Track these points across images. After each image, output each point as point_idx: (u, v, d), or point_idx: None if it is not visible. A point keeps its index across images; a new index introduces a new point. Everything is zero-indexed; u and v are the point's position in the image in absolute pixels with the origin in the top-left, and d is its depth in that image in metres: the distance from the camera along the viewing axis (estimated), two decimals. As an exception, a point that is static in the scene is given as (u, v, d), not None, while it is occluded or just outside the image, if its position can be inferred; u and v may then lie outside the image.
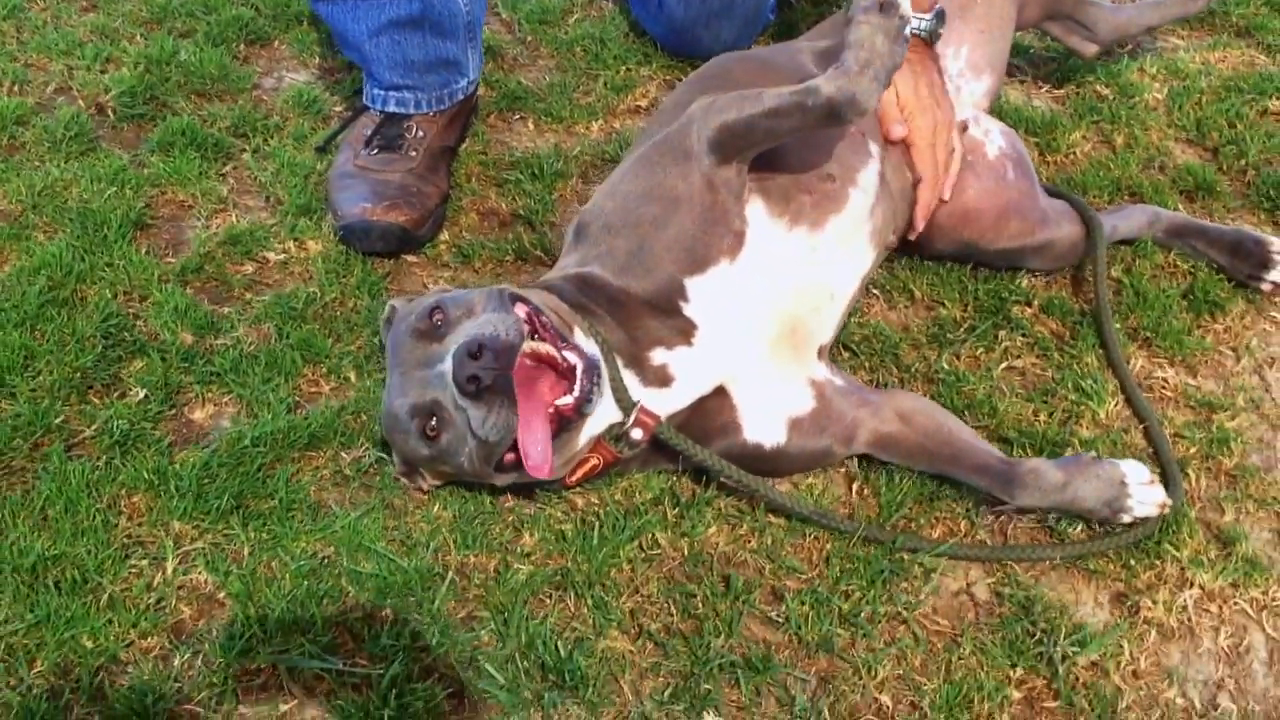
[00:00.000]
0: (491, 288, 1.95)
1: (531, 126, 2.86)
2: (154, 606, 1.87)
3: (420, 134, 2.56)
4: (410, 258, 2.50)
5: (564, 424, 1.86)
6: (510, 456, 1.86)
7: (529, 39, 3.10)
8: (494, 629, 1.88)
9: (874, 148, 2.24)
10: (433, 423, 1.86)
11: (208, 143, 2.71)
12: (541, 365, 1.86)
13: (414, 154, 2.54)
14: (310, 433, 2.12)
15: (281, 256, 2.48)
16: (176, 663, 1.81)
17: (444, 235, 2.56)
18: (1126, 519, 2.02)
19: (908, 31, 1.99)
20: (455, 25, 2.54)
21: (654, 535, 2.02)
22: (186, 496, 2.01)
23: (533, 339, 1.84)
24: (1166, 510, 2.03)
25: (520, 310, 1.87)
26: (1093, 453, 2.08)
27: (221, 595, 1.90)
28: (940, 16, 2.34)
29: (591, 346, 1.92)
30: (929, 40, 2.33)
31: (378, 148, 2.55)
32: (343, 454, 2.12)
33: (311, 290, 2.38)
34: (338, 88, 2.89)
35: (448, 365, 1.81)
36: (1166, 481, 2.10)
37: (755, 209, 2.07)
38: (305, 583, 1.91)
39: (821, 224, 2.13)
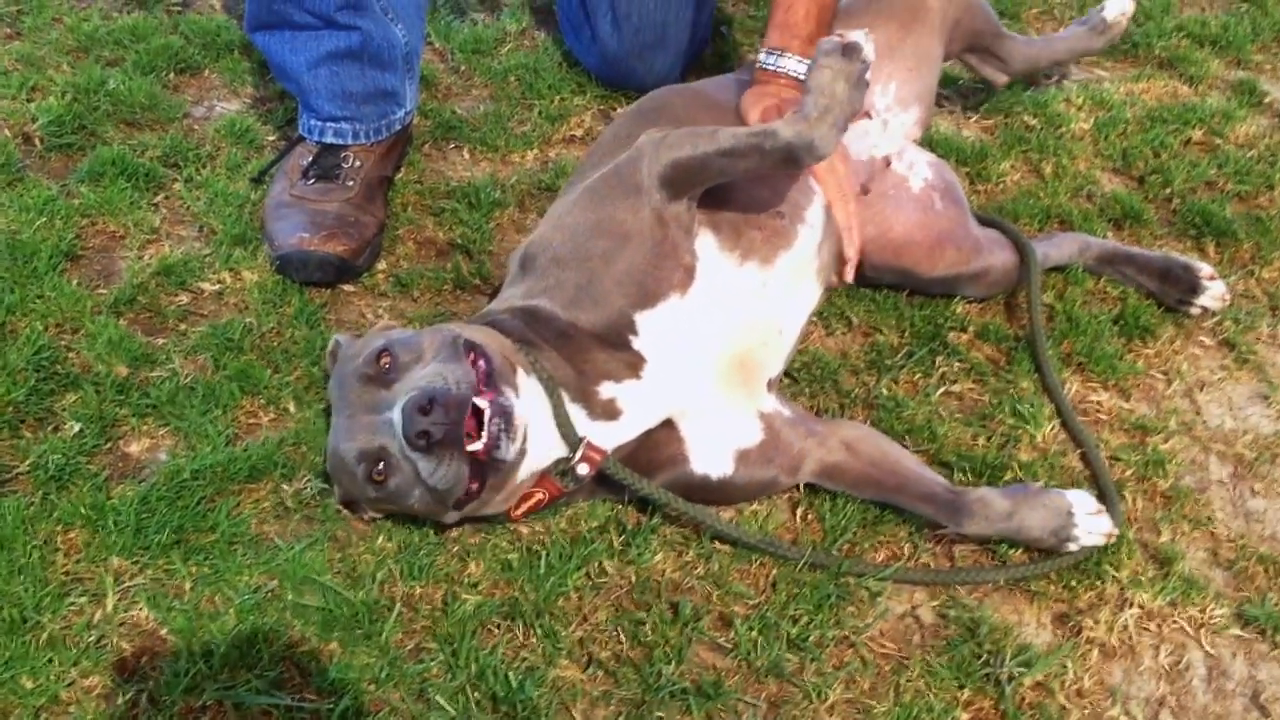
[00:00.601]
0: (441, 330, 1.93)
1: (467, 156, 2.85)
2: (95, 644, 1.84)
3: (357, 164, 2.55)
4: (348, 287, 2.49)
5: (488, 471, 1.86)
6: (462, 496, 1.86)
7: (463, 69, 3.09)
8: (443, 660, 1.86)
9: (817, 185, 2.26)
10: (380, 468, 1.85)
11: (139, 172, 2.68)
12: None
13: (351, 184, 2.53)
14: (250, 465, 2.10)
15: (216, 287, 2.45)
16: (120, 701, 1.77)
17: (381, 265, 2.54)
18: (1073, 548, 2.05)
19: (868, 76, 2.01)
20: (394, 56, 2.54)
21: (601, 563, 2.01)
22: (125, 531, 1.97)
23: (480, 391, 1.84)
24: (1112, 539, 2.06)
25: (469, 358, 1.86)
26: (1039, 482, 2.10)
27: (164, 632, 1.87)
28: None
29: (518, 392, 1.90)
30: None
31: (314, 178, 2.53)
32: (284, 486, 2.09)
33: (248, 321, 2.36)
34: (270, 117, 2.87)
35: (396, 416, 1.80)
36: (1107, 504, 2.13)
37: (706, 243, 2.08)
38: (250, 617, 1.88)
39: (772, 260, 2.14)
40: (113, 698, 1.78)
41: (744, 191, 2.13)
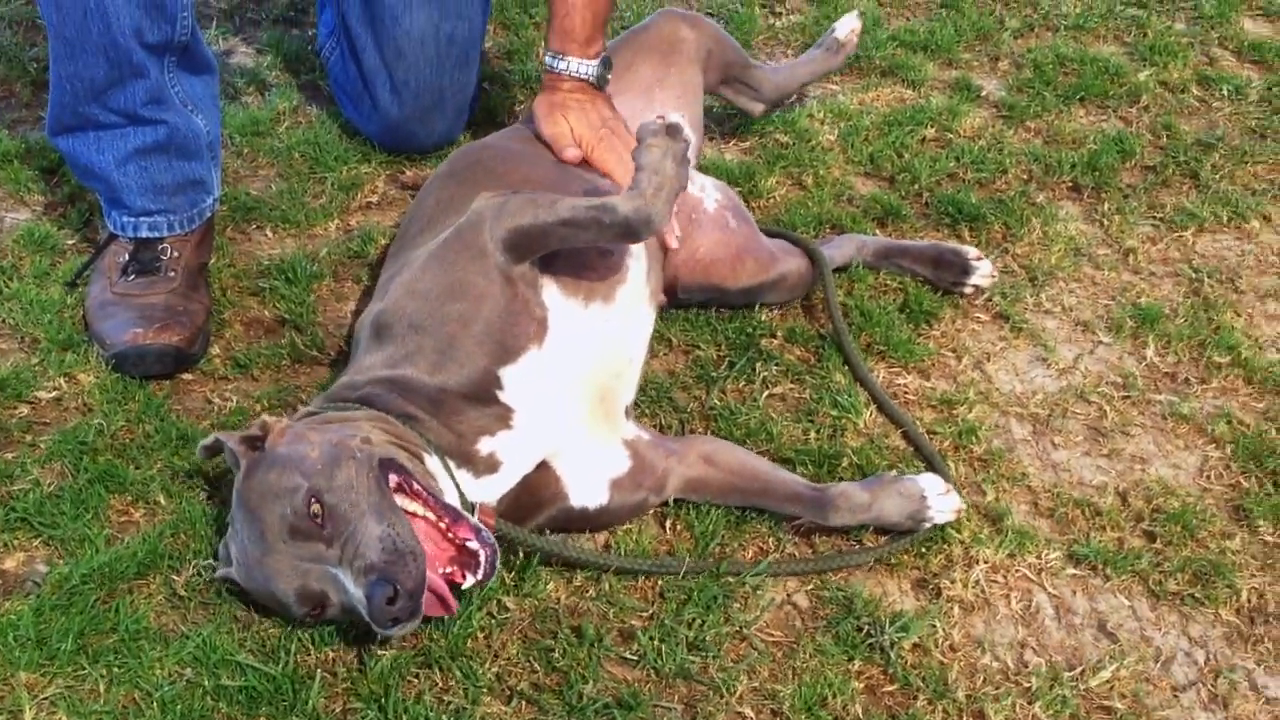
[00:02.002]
0: (349, 449, 1.95)
1: (270, 234, 2.90)
2: (28, 760, 1.84)
3: (175, 254, 2.57)
4: (186, 375, 2.51)
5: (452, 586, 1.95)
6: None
7: (245, 151, 3.13)
8: (373, 717, 1.92)
9: None
10: (318, 610, 1.93)
11: (-56, 297, 2.64)
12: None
13: (173, 274, 2.55)
14: (137, 561, 2.11)
15: (54, 394, 2.44)
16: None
17: (214, 349, 2.58)
18: (928, 526, 2.25)
19: (689, 155, 2.20)
20: (199, 146, 2.58)
21: (500, 600, 2.11)
22: (27, 646, 1.97)
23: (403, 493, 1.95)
24: (961, 514, 2.27)
25: (393, 480, 1.94)
26: (893, 471, 2.31)
27: (93, 735, 1.88)
28: (606, 63, 2.62)
29: (445, 494, 2.01)
30: (597, 85, 2.59)
31: (135, 273, 2.54)
32: (174, 576, 2.12)
33: (96, 422, 2.36)
34: (65, 221, 2.85)
35: (356, 595, 1.85)
36: (939, 474, 2.34)
37: (551, 295, 2.20)
38: (176, 707, 1.91)
39: (612, 296, 2.29)
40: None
41: (590, 245, 2.25)
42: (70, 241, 2.81)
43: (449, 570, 1.96)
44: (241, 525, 1.98)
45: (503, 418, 2.11)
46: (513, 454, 2.12)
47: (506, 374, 2.12)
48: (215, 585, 2.09)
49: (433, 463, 2.04)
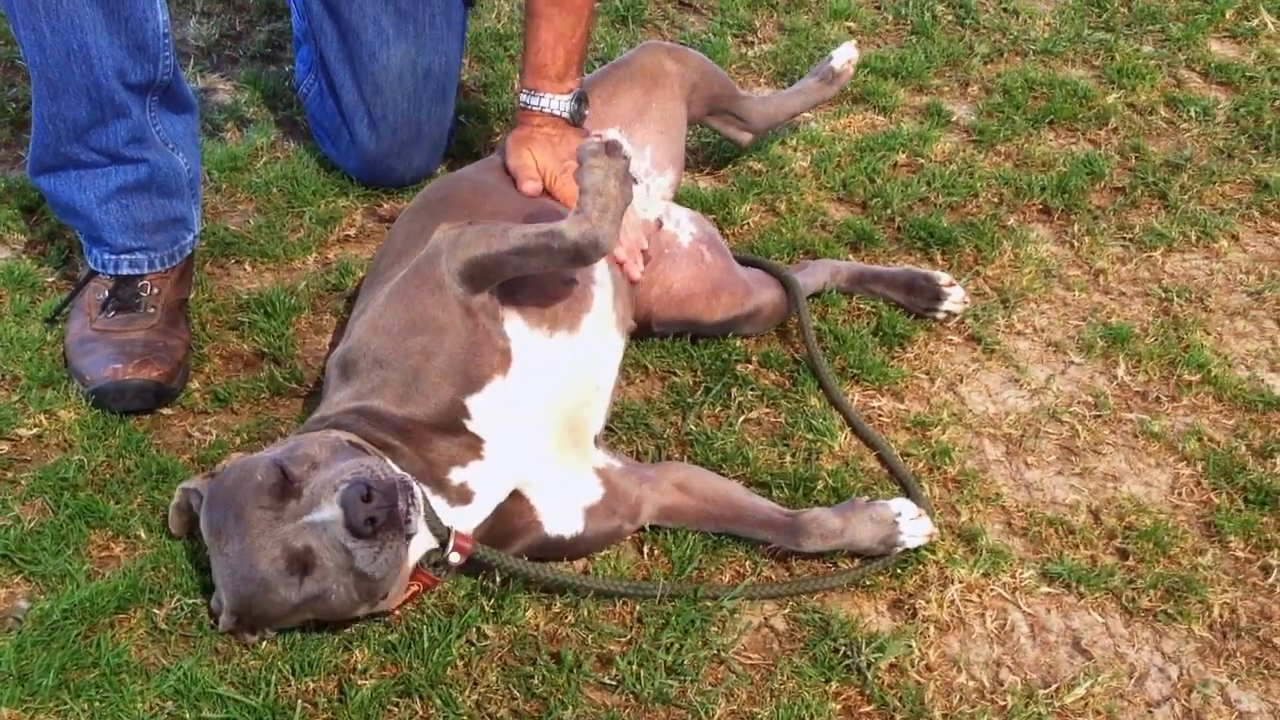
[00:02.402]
0: (315, 437, 2.02)
1: (249, 269, 2.92)
2: (12, 794, 1.86)
3: (155, 291, 2.60)
4: (166, 411, 2.53)
5: None
6: None
7: (224, 187, 3.16)
8: (355, 745, 1.95)
9: None
10: (303, 572, 1.93)
11: (-77, 337, 2.66)
12: None
13: (153, 310, 2.57)
14: (117, 596, 2.13)
15: (35, 431, 2.46)
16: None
17: (194, 384, 2.60)
18: (899, 550, 2.28)
19: (634, 169, 2.21)
20: (179, 184, 2.61)
21: (479, 628, 2.13)
22: (9, 682, 1.99)
23: None
24: (934, 539, 2.30)
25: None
26: (865, 496, 2.34)
27: (78, 769, 1.90)
28: (580, 99, 2.64)
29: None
30: (571, 120, 2.61)
31: (115, 310, 2.57)
32: (155, 610, 2.14)
33: (77, 458, 2.38)
34: (45, 259, 2.87)
35: (330, 513, 1.88)
36: (909, 494, 2.38)
37: (514, 325, 2.23)
38: (158, 740, 1.93)
39: (577, 325, 2.31)
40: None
41: (544, 272, 2.27)
42: (50, 279, 2.83)
43: None
44: (217, 532, 2.00)
45: (473, 447, 2.14)
46: (484, 483, 2.14)
47: (473, 403, 2.15)
48: (197, 618, 2.11)
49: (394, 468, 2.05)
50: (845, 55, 3.34)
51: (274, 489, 1.94)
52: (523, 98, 2.63)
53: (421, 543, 2.06)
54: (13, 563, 2.21)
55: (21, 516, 2.28)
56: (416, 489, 1.99)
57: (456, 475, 2.13)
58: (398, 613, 2.13)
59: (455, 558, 2.08)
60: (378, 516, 1.87)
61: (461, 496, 2.13)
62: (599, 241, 2.13)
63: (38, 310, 2.72)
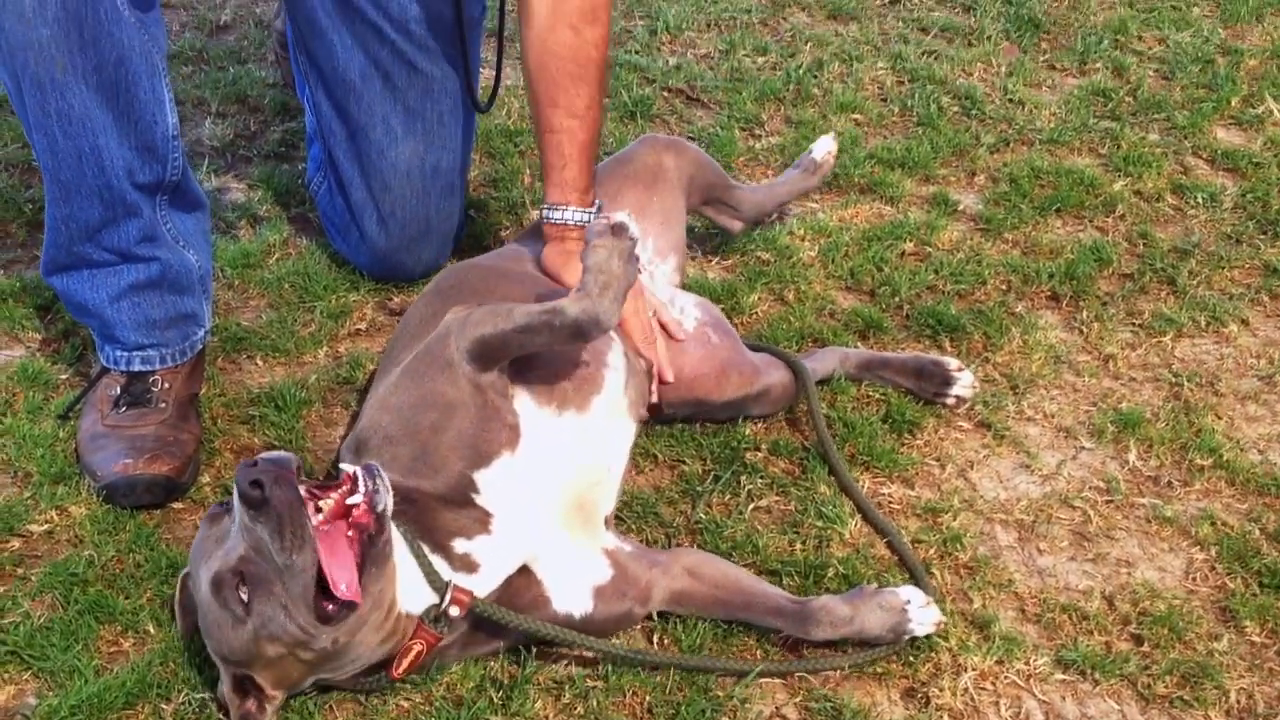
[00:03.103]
0: None
1: (260, 363, 2.94)
2: None
3: (167, 386, 2.62)
4: (177, 505, 2.54)
5: (369, 547, 1.97)
6: (333, 605, 1.95)
7: (236, 283, 3.19)
8: (362, 842, 1.93)
9: (614, 333, 2.47)
10: (241, 584, 1.93)
11: (-61, 435, 2.68)
12: (335, 521, 1.98)
13: (164, 405, 2.59)
14: (125, 692, 2.13)
15: (46, 527, 2.46)
16: None
17: (205, 478, 2.60)
18: (907, 638, 2.27)
19: (639, 251, 2.24)
20: (190, 281, 2.64)
21: (487, 720, 2.13)
22: (16, 780, 1.99)
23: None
24: (942, 627, 2.29)
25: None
26: (874, 582, 2.33)
27: None
28: (599, 208, 2.69)
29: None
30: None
31: (126, 405, 2.58)
32: (163, 705, 2.13)
33: (87, 554, 2.38)
34: (59, 357, 2.90)
35: (235, 500, 1.91)
36: (916, 581, 2.37)
37: (523, 403, 2.25)
38: (164, 836, 1.92)
39: (586, 406, 2.33)
40: None
41: (547, 349, 2.30)
42: (64, 376, 2.85)
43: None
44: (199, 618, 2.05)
45: (481, 521, 2.15)
46: (491, 557, 2.15)
47: (481, 478, 2.16)
48: (205, 713, 2.11)
49: (392, 529, 2.05)
50: (825, 147, 3.43)
51: (217, 515, 2.03)
52: (551, 214, 2.65)
53: (420, 595, 2.08)
54: (21, 659, 2.21)
55: (31, 612, 2.28)
56: (383, 476, 2.00)
57: (460, 545, 2.14)
58: (401, 677, 2.10)
59: (454, 610, 2.08)
60: (263, 479, 1.87)
61: (465, 565, 2.13)
62: (599, 318, 2.16)
63: (51, 407, 2.74)
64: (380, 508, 1.97)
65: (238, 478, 1.88)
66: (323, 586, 1.93)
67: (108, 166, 2.42)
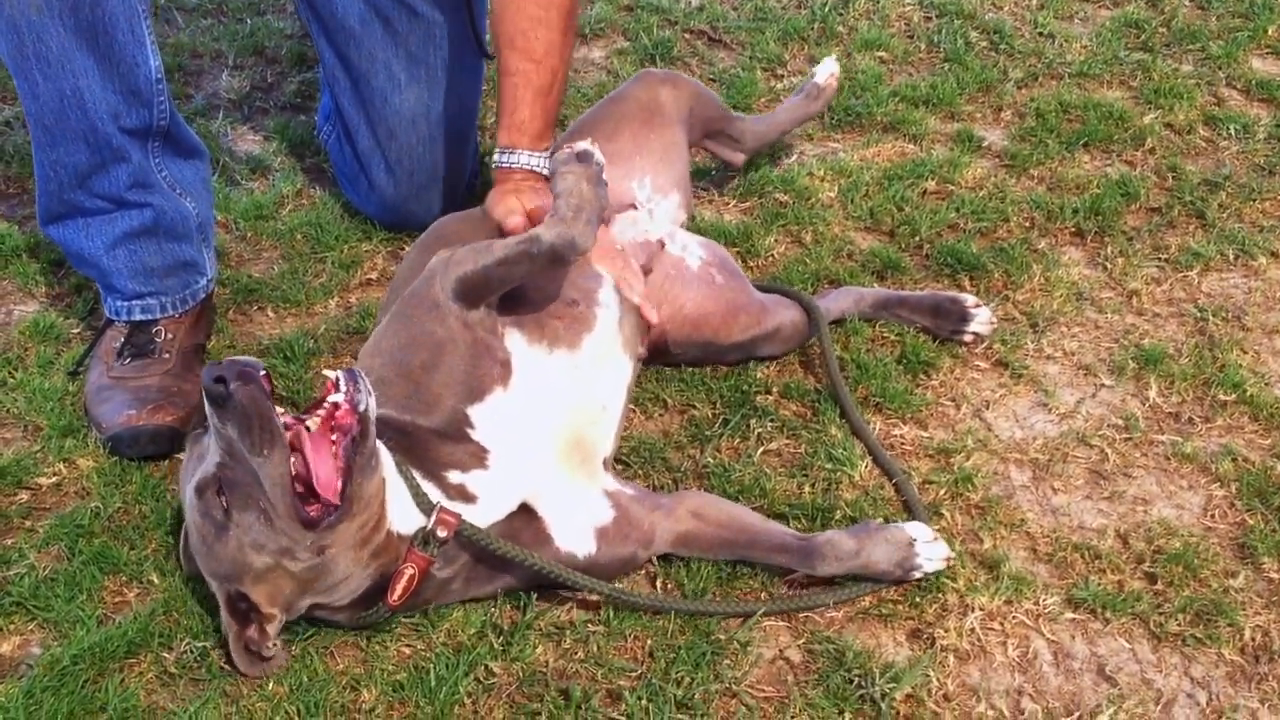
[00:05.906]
0: None
1: (271, 314, 2.94)
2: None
3: (170, 336, 2.62)
4: (182, 456, 2.53)
5: (353, 451, 1.97)
6: (315, 508, 1.96)
7: (249, 235, 3.18)
8: (359, 786, 1.93)
9: (602, 270, 2.44)
10: (220, 492, 1.95)
11: (-48, 388, 2.70)
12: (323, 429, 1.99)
13: (167, 355, 2.60)
14: (127, 641, 2.13)
15: (54, 479, 2.48)
16: None
17: (211, 429, 2.61)
18: (917, 575, 2.24)
19: (604, 176, 2.24)
20: (187, 228, 2.63)
21: (487, 665, 2.11)
22: (17, 728, 2.00)
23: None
24: (951, 562, 2.26)
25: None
26: (879, 519, 2.30)
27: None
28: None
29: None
30: (548, 178, 2.53)
31: (130, 357, 2.59)
32: (164, 654, 2.14)
33: (94, 505, 2.39)
34: (71, 311, 2.90)
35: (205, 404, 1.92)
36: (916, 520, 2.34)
37: (514, 340, 2.26)
38: (162, 783, 1.93)
39: (578, 344, 2.32)
40: None
41: (538, 289, 2.33)
42: (75, 330, 2.86)
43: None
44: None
45: (477, 456, 2.15)
46: (488, 492, 2.14)
47: (475, 413, 2.17)
48: (207, 662, 2.11)
49: (380, 449, 2.05)
50: (827, 70, 3.38)
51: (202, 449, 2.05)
52: (499, 157, 2.59)
53: (409, 516, 2.07)
54: (27, 610, 2.22)
55: (36, 564, 2.30)
56: (364, 379, 2.00)
57: (455, 477, 2.14)
58: (399, 606, 2.08)
59: (441, 532, 2.06)
60: (227, 375, 1.88)
61: (461, 495, 2.13)
62: (574, 241, 2.18)
63: (62, 361, 2.75)
64: (362, 407, 1.97)
65: (203, 377, 1.89)
66: (310, 493, 1.95)
67: (91, 109, 2.41)
